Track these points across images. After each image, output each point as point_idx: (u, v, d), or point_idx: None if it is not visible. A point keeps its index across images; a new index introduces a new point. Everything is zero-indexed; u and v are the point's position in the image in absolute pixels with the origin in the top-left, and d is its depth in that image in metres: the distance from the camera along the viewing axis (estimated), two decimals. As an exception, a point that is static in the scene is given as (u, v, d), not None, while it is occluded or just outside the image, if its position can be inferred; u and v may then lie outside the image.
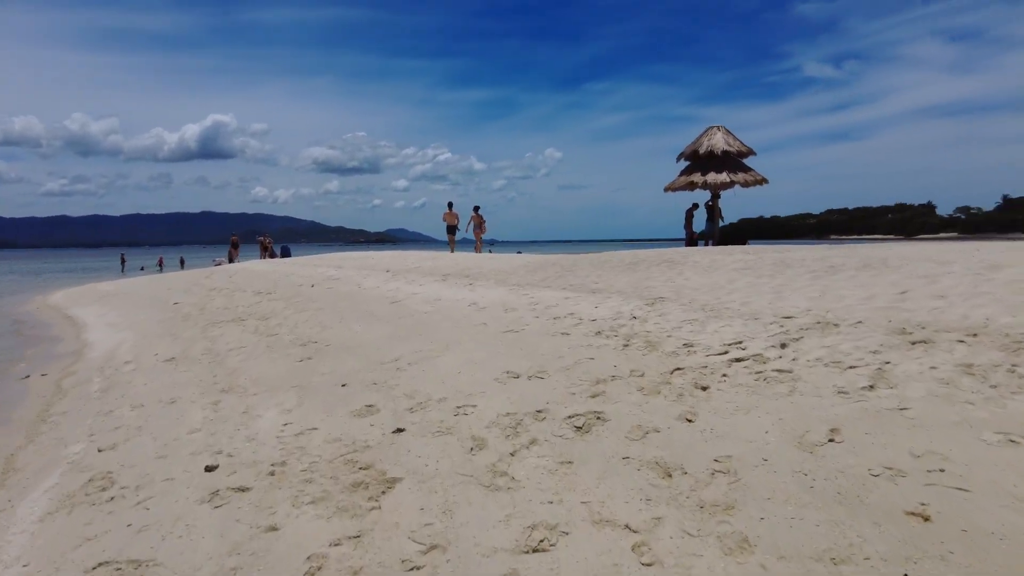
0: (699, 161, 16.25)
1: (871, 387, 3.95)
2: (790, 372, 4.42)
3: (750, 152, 16.33)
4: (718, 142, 16.03)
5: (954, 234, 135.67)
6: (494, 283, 10.49)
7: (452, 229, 20.40)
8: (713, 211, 17.03)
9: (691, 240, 17.03)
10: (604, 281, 9.40)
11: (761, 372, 4.50)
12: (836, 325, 5.24)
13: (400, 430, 4.37)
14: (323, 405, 5.19)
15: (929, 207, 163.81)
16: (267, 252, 29.60)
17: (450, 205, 20.69)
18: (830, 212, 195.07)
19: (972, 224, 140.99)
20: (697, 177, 15.91)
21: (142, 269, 45.61)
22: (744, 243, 16.88)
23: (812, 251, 10.01)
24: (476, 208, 20.78)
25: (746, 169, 16.15)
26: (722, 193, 16.73)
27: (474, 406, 4.62)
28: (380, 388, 5.40)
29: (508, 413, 4.37)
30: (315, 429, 4.65)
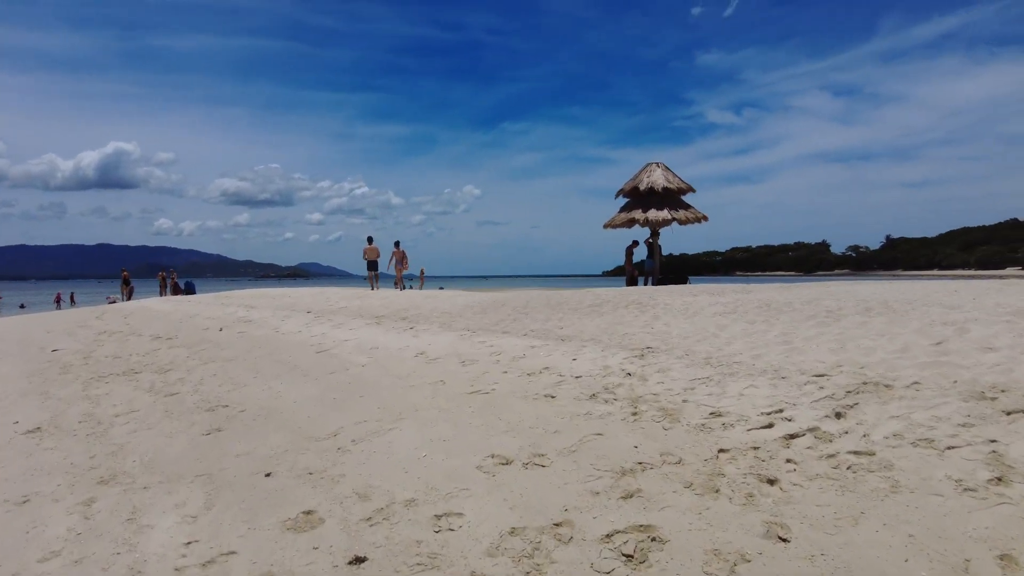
0: (639, 198, 15.78)
1: (999, 479, 2.99)
2: (872, 455, 3.41)
3: (689, 189, 16.03)
4: (658, 179, 15.62)
5: (847, 271, 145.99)
6: (439, 327, 9.18)
7: (373, 265, 19.22)
8: (653, 248, 16.52)
9: (632, 278, 16.39)
10: (570, 326, 8.31)
11: (834, 456, 3.47)
12: (889, 386, 4.33)
13: (360, 560, 2.99)
14: (241, 509, 3.70)
15: (824, 245, 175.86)
16: (169, 288, 26.64)
17: (370, 240, 19.44)
18: (735, 250, 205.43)
19: (861, 261, 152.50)
20: (638, 214, 15.39)
21: (22, 307, 39.97)
22: (685, 281, 16.42)
23: (786, 292, 9.38)
24: (397, 243, 19.67)
25: (686, 206, 15.81)
26: (661, 231, 16.29)
27: (460, 514, 3.31)
28: (319, 481, 3.97)
29: (514, 529, 3.09)
30: (233, 554, 3.18)
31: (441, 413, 5.02)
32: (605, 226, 16.68)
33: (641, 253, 16.70)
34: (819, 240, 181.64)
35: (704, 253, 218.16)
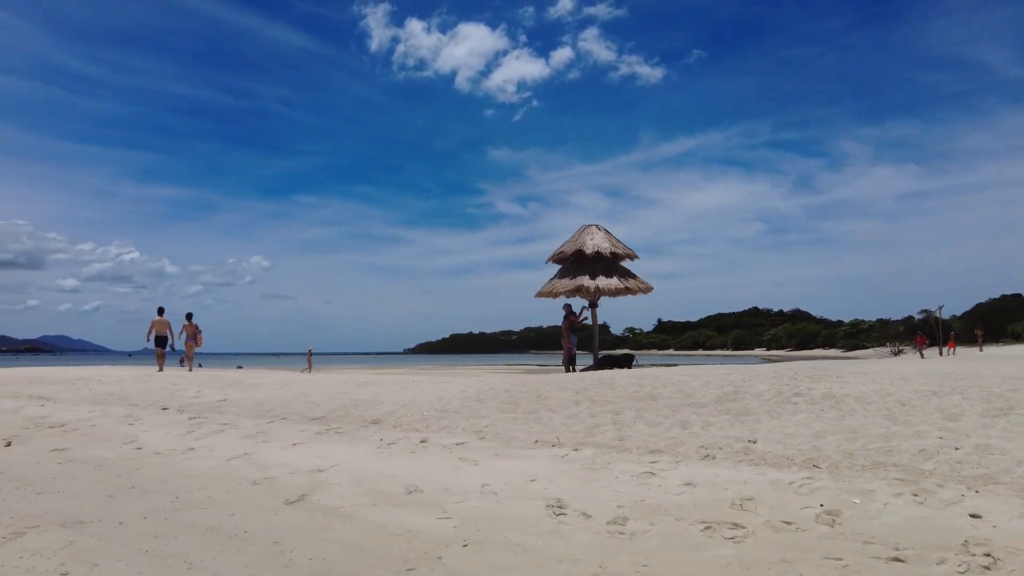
0: (583, 263, 13.64)
1: None
2: None
3: (634, 255, 14.35)
4: (602, 243, 13.74)
5: (628, 350, 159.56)
6: (483, 438, 5.81)
7: (162, 341, 16.00)
8: (575, 324, 14.29)
9: (572, 356, 13.97)
10: (651, 431, 5.58)
11: None
12: None
13: None
14: None
15: (604, 327, 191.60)
16: None
17: (160, 311, 16.26)
18: (528, 330, 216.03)
19: (637, 343, 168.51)
20: (586, 281, 13.20)
21: None
22: (631, 362, 14.42)
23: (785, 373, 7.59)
24: (189, 315, 16.94)
25: (631, 275, 14.05)
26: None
27: None
28: None
29: None
30: None
31: None
32: (544, 294, 14.19)
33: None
34: (601, 322, 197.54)
35: (501, 332, 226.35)
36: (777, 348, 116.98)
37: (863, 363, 15.52)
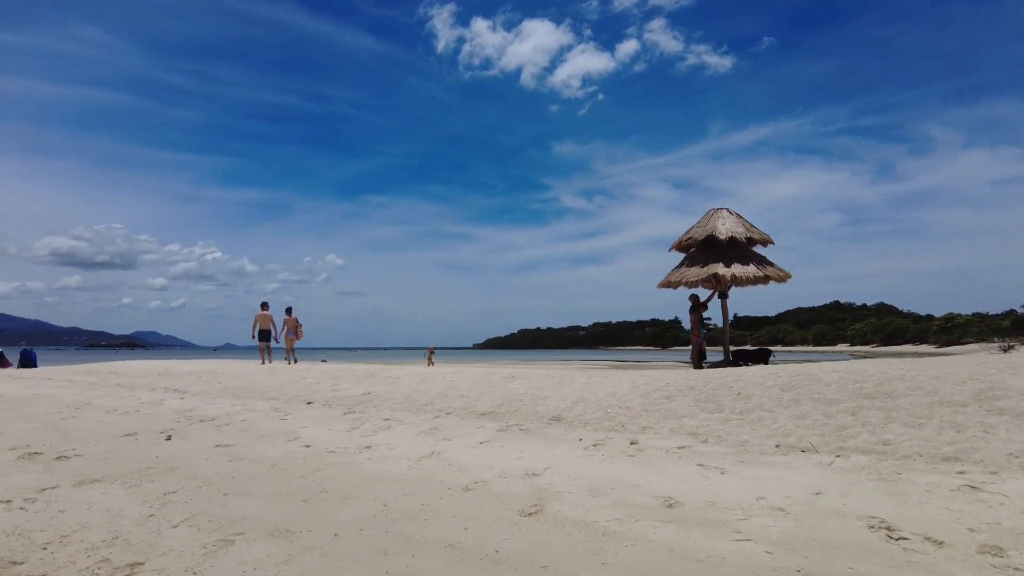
0: (713, 249, 12.45)
1: None
2: None
3: (770, 240, 13.04)
4: (736, 227, 12.51)
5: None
6: (664, 440, 4.93)
7: (265, 334, 16.03)
8: (701, 316, 13.08)
9: (701, 352, 12.86)
10: (918, 434, 4.49)
11: None
12: None
13: None
14: None
15: (677, 322, 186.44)
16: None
17: (264, 306, 16.29)
18: (596, 325, 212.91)
19: (709, 338, 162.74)
20: (720, 269, 12.02)
21: None
22: (768, 360, 13.16)
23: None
24: (288, 310, 16.75)
25: (768, 262, 12.76)
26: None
27: None
28: None
29: None
30: None
31: None
32: (665, 285, 13.07)
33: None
34: (672, 318, 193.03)
35: (568, 328, 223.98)
36: (862, 344, 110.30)
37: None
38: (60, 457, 5.40)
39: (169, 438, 6.11)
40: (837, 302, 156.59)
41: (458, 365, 13.98)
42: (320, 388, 8.81)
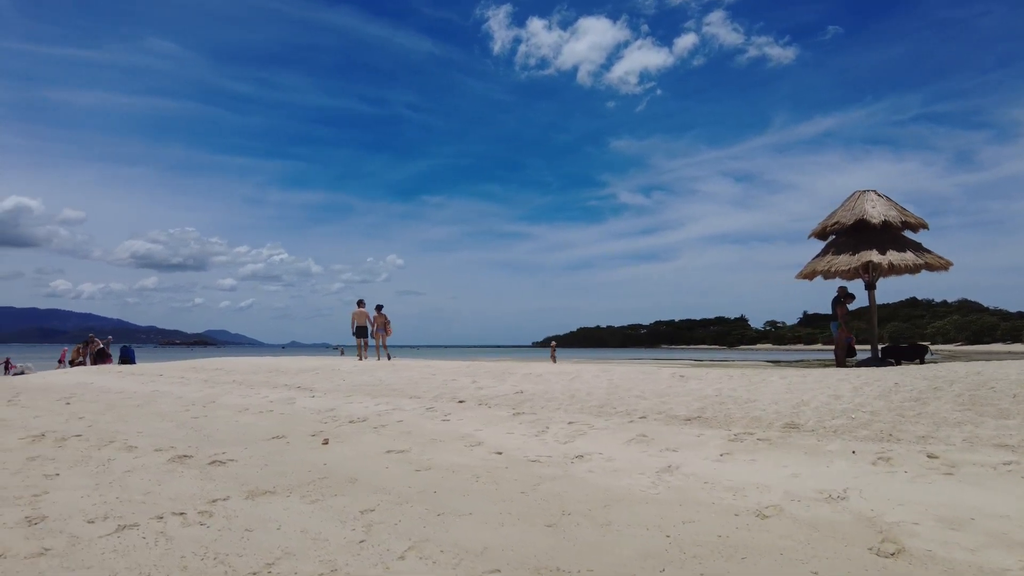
0: (862, 235, 11.11)
1: None
2: None
3: (925, 224, 11.62)
4: (888, 210, 11.16)
5: (768, 345, 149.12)
6: (958, 453, 3.92)
7: (362, 331, 16.09)
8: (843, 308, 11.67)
9: (850, 347, 11.63)
10: None
11: None
12: None
13: None
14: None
15: (743, 320, 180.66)
16: (92, 356, 19.00)
17: (360, 303, 16.41)
18: (659, 323, 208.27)
19: (781, 336, 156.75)
20: (875, 256, 10.67)
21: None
22: (924, 358, 11.85)
23: None
24: (379, 307, 16.74)
25: (924, 248, 11.34)
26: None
27: None
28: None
29: None
30: None
31: None
32: (804, 275, 11.75)
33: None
34: (737, 315, 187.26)
35: (629, 326, 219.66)
36: (944, 343, 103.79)
37: None
38: (214, 462, 4.80)
39: (326, 442, 5.46)
40: (914, 298, 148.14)
41: (575, 364, 13.12)
42: (461, 386, 8.11)
